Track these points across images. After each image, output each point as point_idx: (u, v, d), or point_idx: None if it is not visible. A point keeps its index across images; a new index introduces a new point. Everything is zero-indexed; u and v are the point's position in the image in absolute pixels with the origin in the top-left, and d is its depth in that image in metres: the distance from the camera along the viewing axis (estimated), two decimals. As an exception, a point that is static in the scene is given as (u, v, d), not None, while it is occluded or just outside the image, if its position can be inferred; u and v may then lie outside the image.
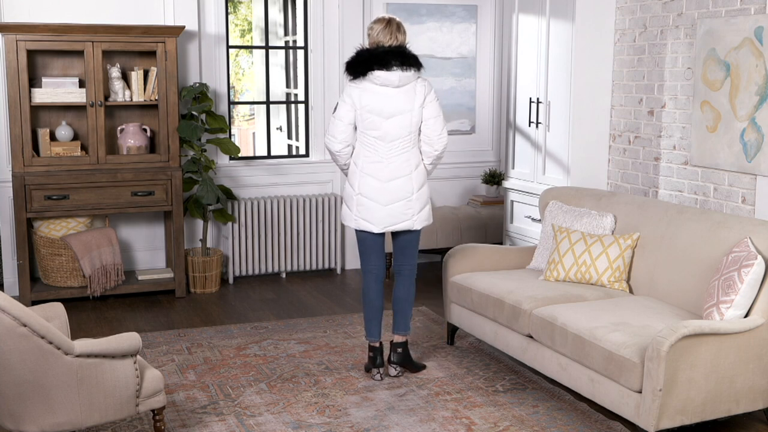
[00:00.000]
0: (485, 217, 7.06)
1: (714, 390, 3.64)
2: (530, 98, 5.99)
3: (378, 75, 4.36)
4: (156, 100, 6.06)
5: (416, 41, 7.17)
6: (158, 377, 3.52)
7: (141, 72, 6.08)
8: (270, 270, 6.80)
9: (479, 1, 7.35)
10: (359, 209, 4.50)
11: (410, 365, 4.66)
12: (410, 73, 4.38)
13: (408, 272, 4.65)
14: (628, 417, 3.69)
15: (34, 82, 5.93)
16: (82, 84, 6.02)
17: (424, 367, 4.71)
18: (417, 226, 4.54)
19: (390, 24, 4.44)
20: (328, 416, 4.09)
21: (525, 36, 6.04)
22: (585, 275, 4.63)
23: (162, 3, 6.29)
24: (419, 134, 4.49)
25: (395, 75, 4.35)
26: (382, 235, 4.60)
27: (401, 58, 4.36)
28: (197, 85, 6.22)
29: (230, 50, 7.00)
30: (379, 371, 4.57)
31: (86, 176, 5.88)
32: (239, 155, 6.49)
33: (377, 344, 4.59)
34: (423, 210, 4.53)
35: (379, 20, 4.48)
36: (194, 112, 6.19)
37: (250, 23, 12.84)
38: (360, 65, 4.40)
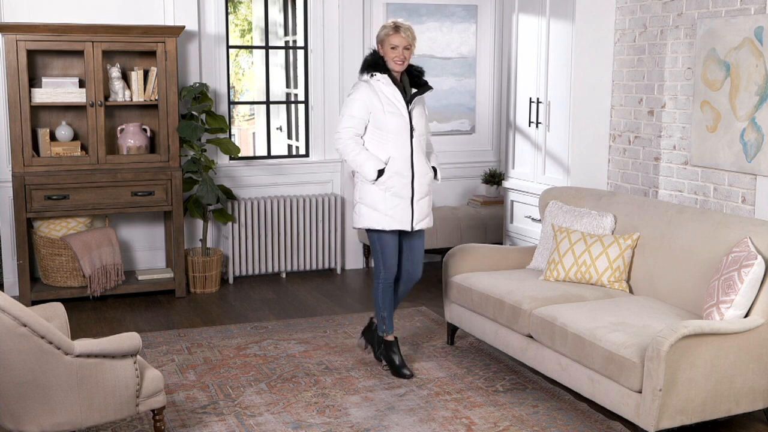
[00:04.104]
0: (485, 217, 7.06)
1: (714, 390, 3.64)
2: (530, 98, 5.99)
3: None
4: (156, 100, 6.06)
5: (416, 41, 7.16)
6: (158, 377, 3.52)
7: (141, 72, 6.08)
8: (270, 270, 6.80)
9: (479, 1, 7.34)
10: None
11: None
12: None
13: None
14: (628, 417, 3.69)
15: (34, 82, 5.93)
16: (82, 84, 6.02)
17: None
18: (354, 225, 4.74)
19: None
20: (328, 416, 4.09)
21: (525, 36, 6.04)
22: (585, 275, 4.63)
23: (162, 3, 6.29)
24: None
25: None
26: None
27: None
28: (197, 85, 6.22)
29: (230, 50, 6.99)
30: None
31: (86, 176, 5.88)
32: (239, 155, 6.49)
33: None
34: (354, 208, 4.67)
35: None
36: (194, 112, 6.18)
37: (250, 23, 12.83)
38: None
